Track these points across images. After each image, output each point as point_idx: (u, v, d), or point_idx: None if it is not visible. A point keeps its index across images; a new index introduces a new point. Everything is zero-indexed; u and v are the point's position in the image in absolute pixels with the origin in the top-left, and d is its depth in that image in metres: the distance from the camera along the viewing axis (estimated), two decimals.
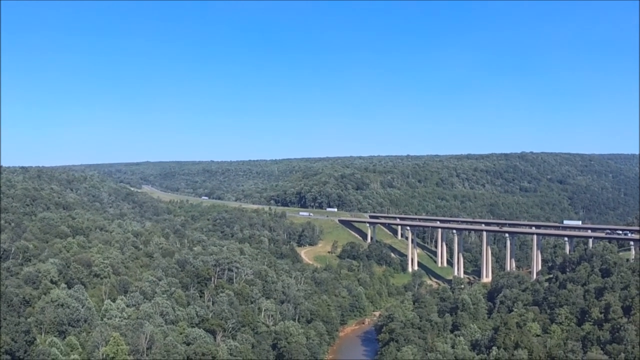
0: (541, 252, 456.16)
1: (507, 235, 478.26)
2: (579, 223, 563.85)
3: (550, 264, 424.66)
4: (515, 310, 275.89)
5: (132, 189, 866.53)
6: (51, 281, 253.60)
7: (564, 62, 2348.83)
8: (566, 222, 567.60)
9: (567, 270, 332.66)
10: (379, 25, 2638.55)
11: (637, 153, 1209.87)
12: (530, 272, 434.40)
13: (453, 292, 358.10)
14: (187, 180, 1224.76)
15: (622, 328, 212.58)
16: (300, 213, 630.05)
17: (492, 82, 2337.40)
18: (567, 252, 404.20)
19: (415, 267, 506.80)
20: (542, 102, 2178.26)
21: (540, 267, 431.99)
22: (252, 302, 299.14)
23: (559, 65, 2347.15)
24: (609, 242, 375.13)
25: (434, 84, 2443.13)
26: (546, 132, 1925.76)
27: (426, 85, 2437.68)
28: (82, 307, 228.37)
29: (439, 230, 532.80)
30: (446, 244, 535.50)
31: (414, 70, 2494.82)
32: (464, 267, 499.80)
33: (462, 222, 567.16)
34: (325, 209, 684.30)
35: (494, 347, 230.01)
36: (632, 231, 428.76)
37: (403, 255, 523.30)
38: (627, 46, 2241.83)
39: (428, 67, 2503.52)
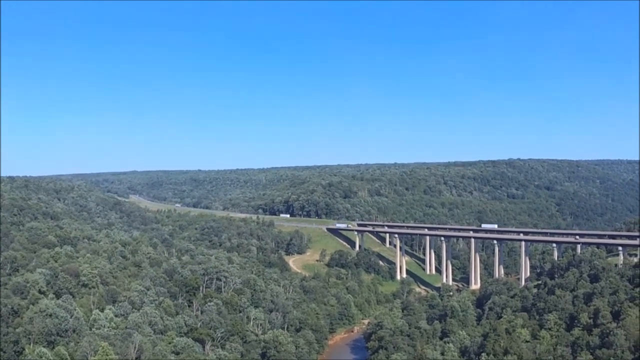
0: (529, 259, 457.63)
1: (495, 242, 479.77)
2: (495, 226, 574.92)
3: (538, 270, 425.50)
4: (504, 316, 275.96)
5: (120, 198, 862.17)
6: (39, 291, 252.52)
7: (551, 70, 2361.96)
8: (484, 226, 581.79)
9: (556, 276, 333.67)
10: (366, 33, 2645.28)
11: (624, 159, 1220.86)
12: (518, 279, 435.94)
13: (442, 299, 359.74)
14: (175, 190, 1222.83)
15: (611, 333, 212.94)
16: (337, 224, 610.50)
17: (479, 89, 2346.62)
18: (556, 258, 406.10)
19: (404, 275, 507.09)
20: (529, 109, 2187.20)
21: (528, 274, 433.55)
22: (240, 311, 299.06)
23: (546, 72, 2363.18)
24: (597, 248, 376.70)
25: (421, 92, 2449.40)
26: (533, 138, 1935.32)
27: (413, 94, 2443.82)
28: (71, 317, 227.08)
29: (427, 237, 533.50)
30: (434, 252, 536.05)
31: (402, 79, 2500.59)
32: (452, 274, 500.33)
33: (450, 229, 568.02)
34: (280, 215, 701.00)
35: (483, 354, 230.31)
36: (622, 236, 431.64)
37: (391, 263, 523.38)
38: (614, 53, 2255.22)
39: (415, 75, 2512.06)
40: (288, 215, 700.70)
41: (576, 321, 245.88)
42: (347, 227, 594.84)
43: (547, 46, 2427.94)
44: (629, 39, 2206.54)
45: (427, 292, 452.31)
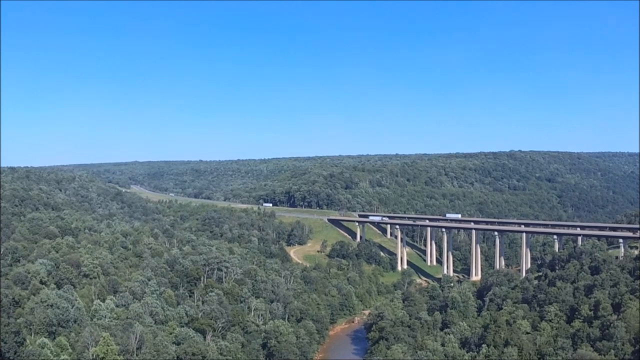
0: (530, 250, 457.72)
1: (496, 233, 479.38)
2: (458, 216, 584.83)
3: (539, 262, 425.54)
4: (504, 308, 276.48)
5: (121, 189, 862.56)
6: (40, 282, 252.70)
7: (553, 61, 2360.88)
8: (448, 215, 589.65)
9: (557, 268, 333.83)
10: (367, 24, 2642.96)
11: (625, 151, 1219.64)
12: (519, 270, 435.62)
13: (442, 291, 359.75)
14: (176, 180, 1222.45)
15: (611, 325, 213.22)
16: (371, 217, 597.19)
17: (480, 81, 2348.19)
18: (556, 250, 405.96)
19: (405, 266, 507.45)
20: (530, 100, 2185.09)
21: (529, 265, 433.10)
22: (241, 302, 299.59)
23: (547, 63, 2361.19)
24: (598, 240, 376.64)
25: (423, 83, 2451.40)
26: (535, 130, 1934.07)
27: (415, 84, 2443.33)
28: (72, 308, 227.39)
29: (428, 228, 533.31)
30: (435, 243, 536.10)
31: (403, 69, 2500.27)
32: (453, 265, 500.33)
33: (451, 220, 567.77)
34: (263, 205, 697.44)
35: (483, 345, 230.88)
36: (622, 229, 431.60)
37: (392, 254, 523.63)
38: (615, 44, 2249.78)
39: (417, 66, 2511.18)
40: (270, 205, 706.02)
41: (577, 313, 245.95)
42: (382, 219, 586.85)
43: (548, 38, 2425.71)
44: (629, 32, 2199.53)
45: (428, 283, 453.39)
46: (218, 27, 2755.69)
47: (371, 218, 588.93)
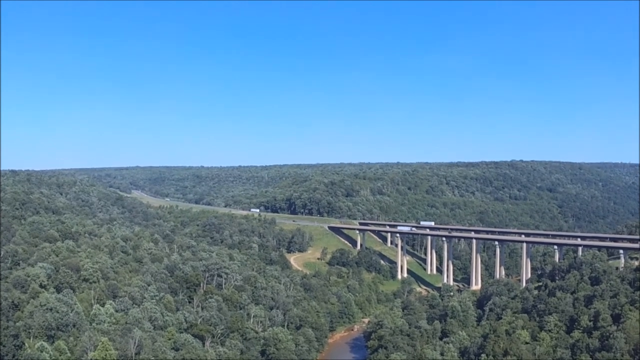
0: (530, 260, 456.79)
1: (496, 243, 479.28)
2: (432, 224, 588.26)
3: (539, 272, 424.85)
4: (504, 317, 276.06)
5: (122, 193, 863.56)
6: (40, 285, 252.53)
7: (555, 70, 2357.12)
8: (422, 223, 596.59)
9: (557, 278, 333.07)
10: (369, 30, 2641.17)
11: (627, 162, 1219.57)
12: (519, 280, 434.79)
13: (442, 300, 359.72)
14: (177, 186, 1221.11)
15: (611, 336, 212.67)
16: (400, 227, 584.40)
17: (482, 90, 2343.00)
18: (557, 260, 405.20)
19: (405, 275, 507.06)
20: (532, 110, 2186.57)
21: (529, 275, 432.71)
22: (241, 308, 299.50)
23: (550, 73, 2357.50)
24: (599, 251, 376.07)
25: (425, 92, 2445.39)
26: (536, 140, 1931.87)
27: (417, 93, 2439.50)
28: (71, 312, 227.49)
29: (429, 237, 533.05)
30: (436, 252, 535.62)
31: (405, 77, 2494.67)
32: (453, 274, 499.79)
33: (452, 229, 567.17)
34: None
35: (483, 355, 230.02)
36: (622, 240, 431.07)
37: (392, 263, 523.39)
38: (620, 54, 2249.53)
39: (419, 74, 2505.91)
40: (258, 210, 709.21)
41: (576, 323, 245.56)
42: (411, 230, 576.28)
43: (551, 48, 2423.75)
44: (630, 42, 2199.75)
45: (428, 292, 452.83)
46: (221, 31, 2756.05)
47: (399, 228, 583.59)
